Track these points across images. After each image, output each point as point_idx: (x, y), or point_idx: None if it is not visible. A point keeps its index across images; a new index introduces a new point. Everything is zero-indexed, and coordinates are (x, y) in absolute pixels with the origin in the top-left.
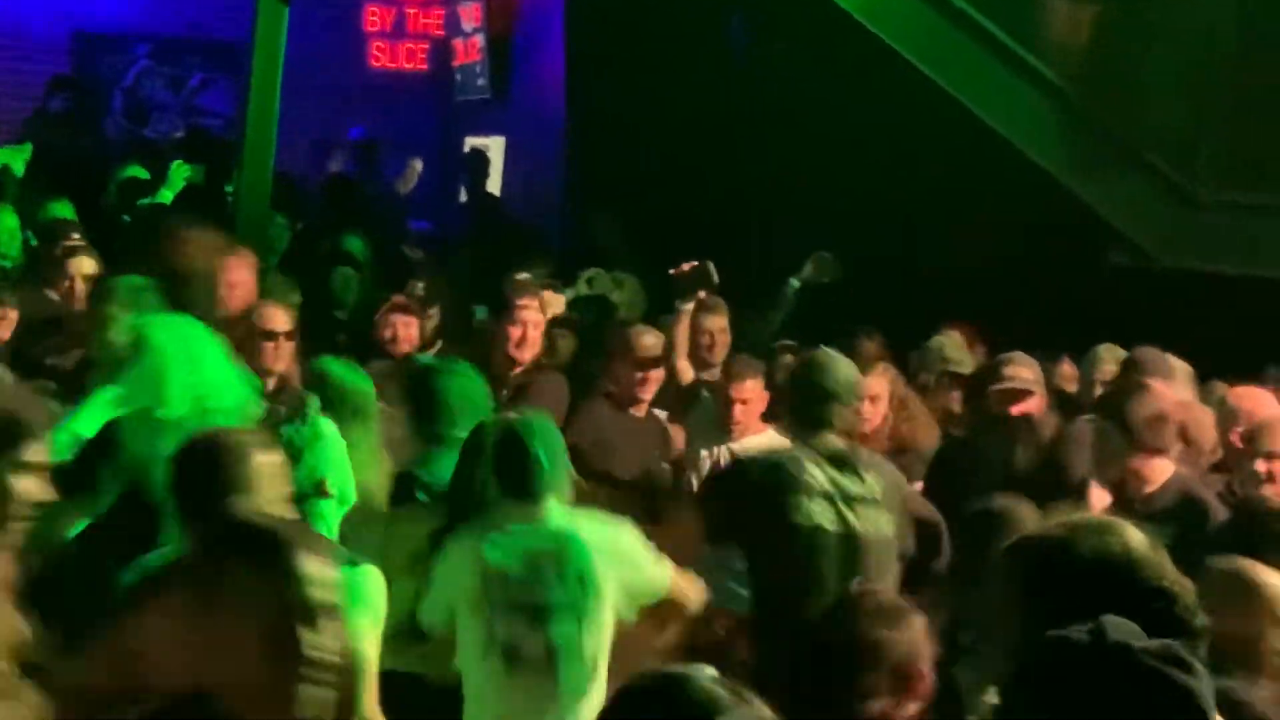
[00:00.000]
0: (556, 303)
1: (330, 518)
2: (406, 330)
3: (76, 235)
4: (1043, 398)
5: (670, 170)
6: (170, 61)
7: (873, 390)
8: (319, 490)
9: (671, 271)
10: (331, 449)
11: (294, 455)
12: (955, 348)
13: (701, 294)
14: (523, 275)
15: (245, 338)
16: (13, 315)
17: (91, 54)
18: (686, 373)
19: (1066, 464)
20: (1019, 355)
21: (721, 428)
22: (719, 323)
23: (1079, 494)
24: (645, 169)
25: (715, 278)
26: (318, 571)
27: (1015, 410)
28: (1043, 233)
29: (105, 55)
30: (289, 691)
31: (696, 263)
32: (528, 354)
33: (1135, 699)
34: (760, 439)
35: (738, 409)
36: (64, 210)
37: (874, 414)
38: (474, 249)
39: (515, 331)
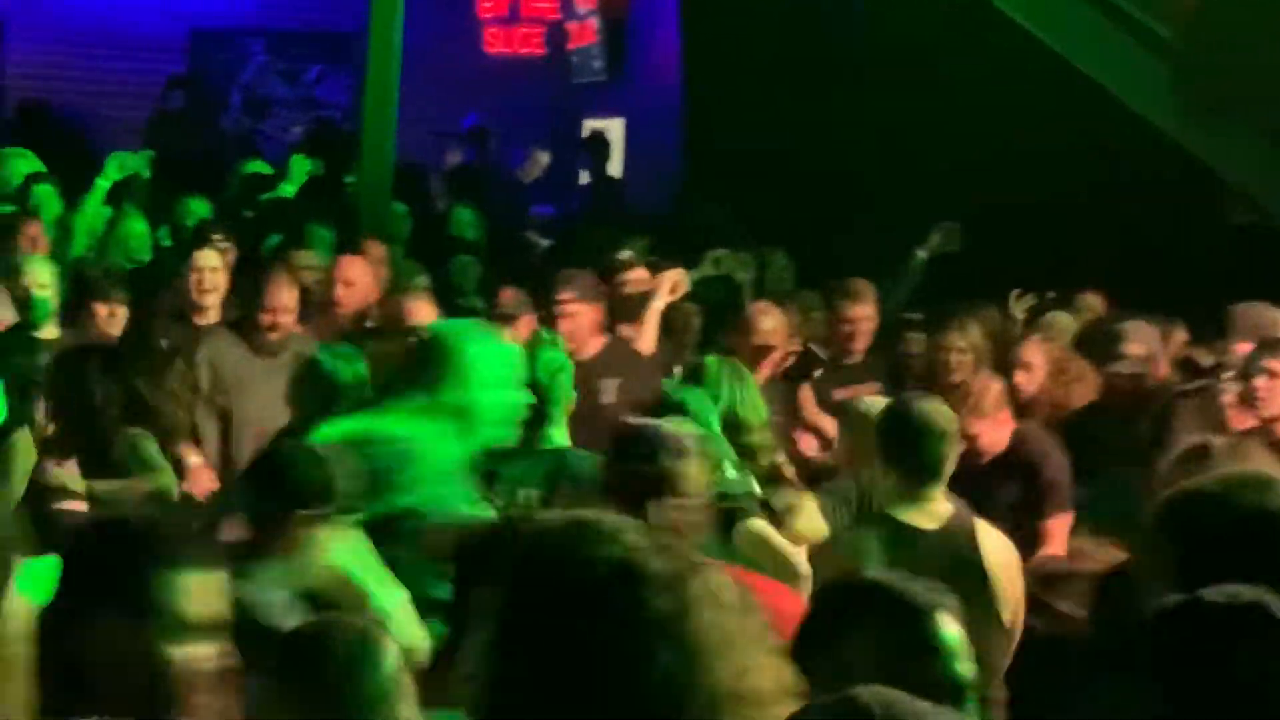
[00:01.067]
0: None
1: None
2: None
3: (219, 236)
4: (1160, 365)
5: (788, 147)
6: (286, 56)
7: (1027, 357)
8: None
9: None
10: None
11: None
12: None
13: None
14: (625, 253)
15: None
16: (121, 312)
17: (208, 51)
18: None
19: (1172, 432)
20: (1134, 327)
21: None
22: (864, 310)
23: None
24: (763, 146)
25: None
26: None
27: (1131, 387)
28: (1162, 193)
29: (222, 52)
30: None
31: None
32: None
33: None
34: None
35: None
36: (201, 208)
37: (1029, 382)
38: (591, 231)
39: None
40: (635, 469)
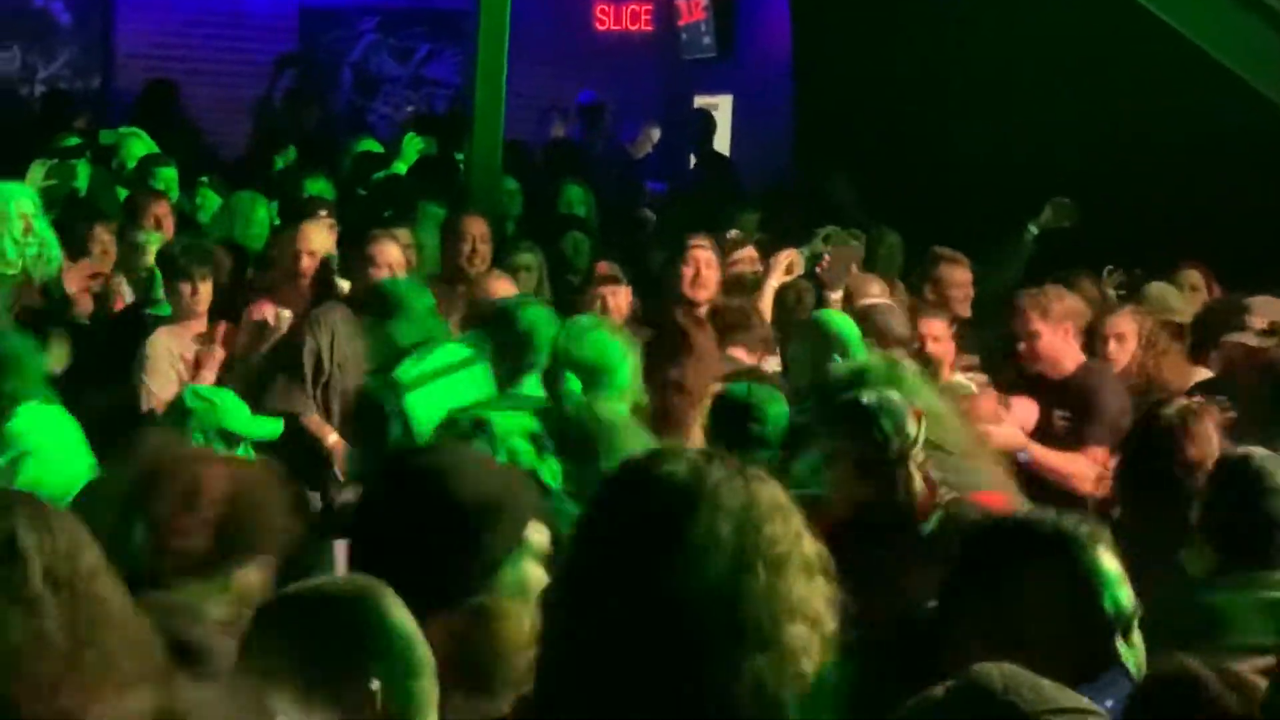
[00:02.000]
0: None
1: None
2: (615, 300)
3: (325, 212)
4: None
5: (898, 123)
6: (396, 34)
7: (1119, 329)
8: None
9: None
10: None
11: None
12: (1176, 296)
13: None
14: (733, 231)
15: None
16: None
17: (318, 30)
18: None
19: None
20: (1262, 301)
21: None
22: (961, 275)
23: None
24: (873, 123)
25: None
26: None
27: (1253, 361)
28: (1276, 170)
29: (332, 30)
30: None
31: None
32: (702, 294)
33: None
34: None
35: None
36: (321, 188)
37: (1121, 353)
38: (696, 206)
39: (688, 271)
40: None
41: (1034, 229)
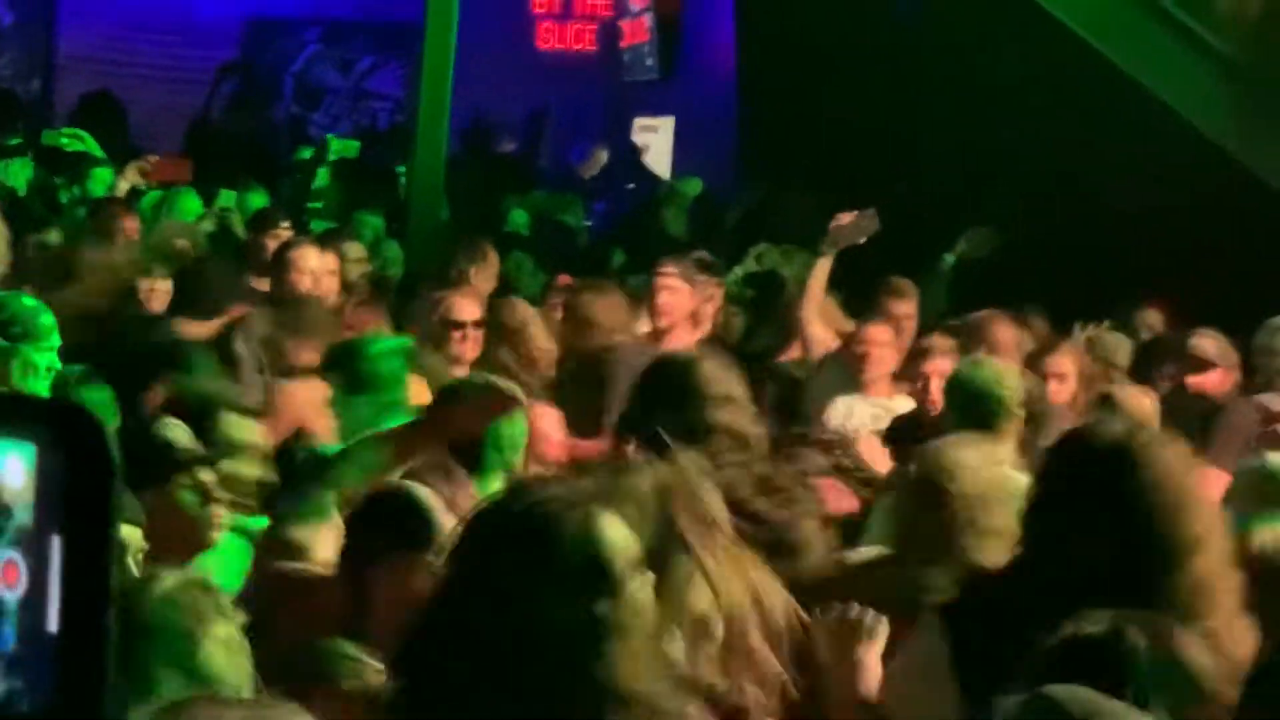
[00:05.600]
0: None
1: None
2: None
3: (286, 225)
4: (1229, 374)
5: (843, 145)
6: (339, 45)
7: (1059, 368)
8: None
9: (832, 225)
10: None
11: None
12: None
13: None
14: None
15: (438, 327)
16: (163, 287)
17: (261, 40)
18: (812, 324)
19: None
20: (1209, 331)
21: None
22: (908, 308)
23: None
24: (818, 144)
25: (876, 225)
26: None
27: (1192, 380)
28: (1215, 206)
29: (275, 40)
30: None
31: (858, 213)
32: (664, 321)
33: None
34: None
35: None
36: (261, 200)
37: (1062, 392)
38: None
39: (652, 299)
40: None
41: (949, 258)
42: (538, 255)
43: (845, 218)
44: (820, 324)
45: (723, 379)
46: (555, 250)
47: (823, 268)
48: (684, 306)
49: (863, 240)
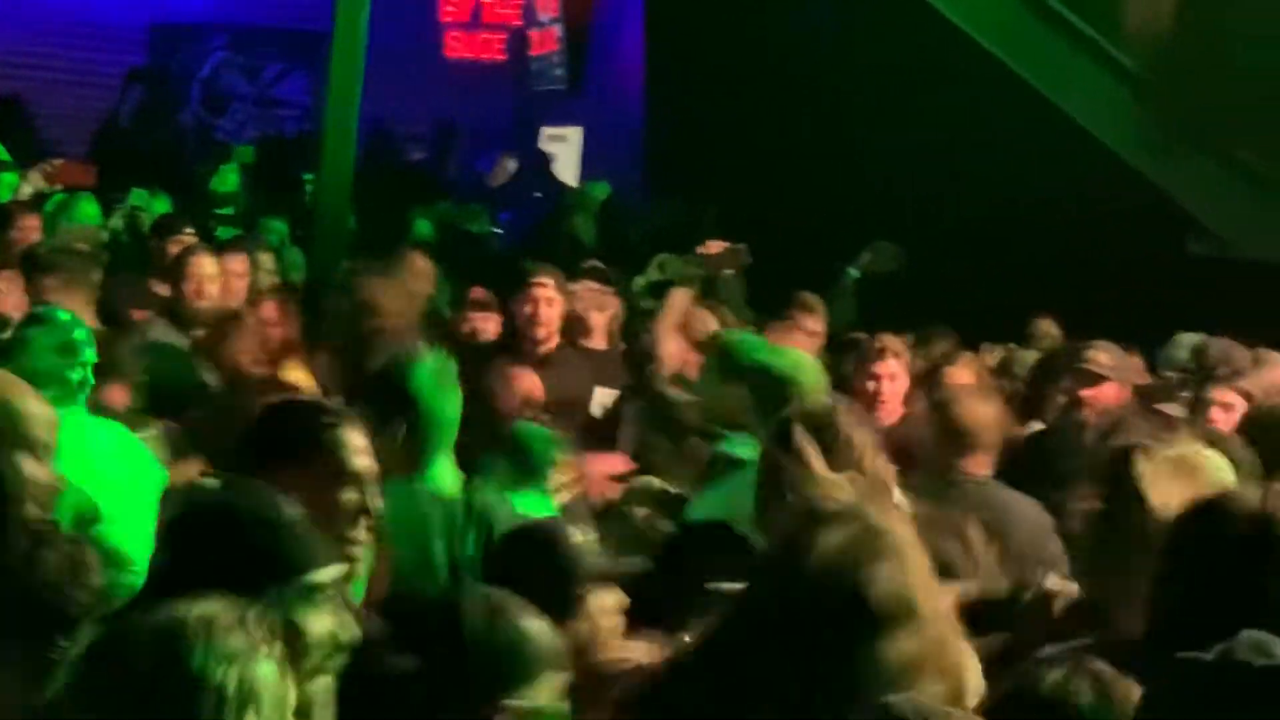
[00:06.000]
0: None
1: None
2: (485, 324)
3: (190, 231)
4: (1122, 387)
5: (751, 159)
6: (247, 52)
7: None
8: None
9: (699, 250)
10: None
11: None
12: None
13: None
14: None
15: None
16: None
17: (168, 45)
18: (665, 343)
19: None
20: (1103, 343)
21: None
22: (817, 325)
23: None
24: (725, 158)
25: (747, 259)
26: None
27: (1087, 394)
28: (1121, 222)
29: (182, 46)
30: None
31: (728, 244)
32: (541, 331)
33: None
34: None
35: None
36: (165, 205)
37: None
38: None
39: (527, 309)
40: None
41: (853, 271)
42: (444, 265)
43: (714, 247)
44: (674, 341)
45: None
46: (462, 259)
47: (681, 296)
48: (560, 317)
49: (730, 272)
